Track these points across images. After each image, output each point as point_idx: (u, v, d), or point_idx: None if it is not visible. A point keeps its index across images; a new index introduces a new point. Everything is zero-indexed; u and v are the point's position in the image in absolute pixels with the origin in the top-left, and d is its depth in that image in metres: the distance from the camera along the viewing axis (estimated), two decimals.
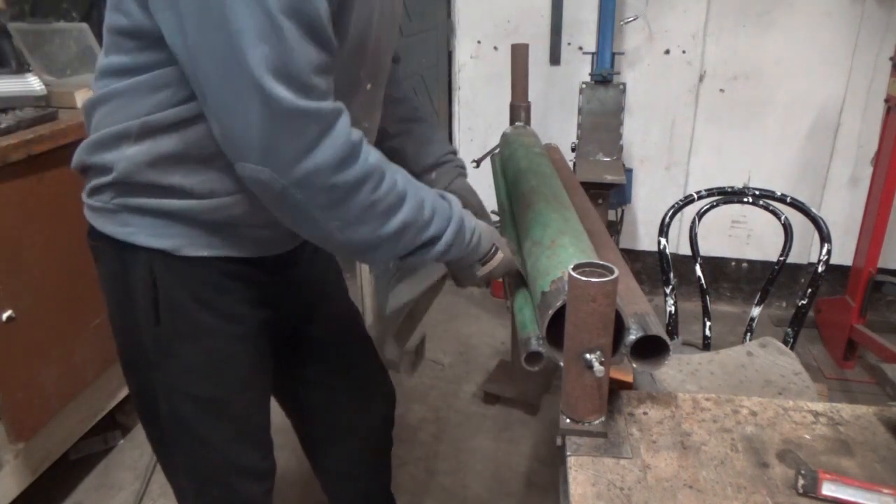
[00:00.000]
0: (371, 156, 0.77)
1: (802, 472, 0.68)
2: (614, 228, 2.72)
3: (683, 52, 2.60)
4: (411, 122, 1.16)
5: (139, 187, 0.83)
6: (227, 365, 0.96)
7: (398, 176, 0.81)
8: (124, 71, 0.79)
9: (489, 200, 1.23)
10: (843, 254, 2.56)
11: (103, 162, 0.83)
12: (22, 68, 1.68)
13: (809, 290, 1.52)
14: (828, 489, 0.67)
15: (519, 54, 1.81)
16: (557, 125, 2.77)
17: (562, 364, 0.77)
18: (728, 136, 2.69)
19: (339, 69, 0.77)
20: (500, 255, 0.95)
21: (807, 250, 2.72)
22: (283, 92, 0.68)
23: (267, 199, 0.77)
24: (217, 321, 0.93)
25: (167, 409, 0.95)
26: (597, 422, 0.77)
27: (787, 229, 1.57)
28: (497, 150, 1.68)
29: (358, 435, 1.27)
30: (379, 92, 0.96)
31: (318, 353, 1.18)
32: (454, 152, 1.19)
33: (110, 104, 0.81)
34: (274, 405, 1.14)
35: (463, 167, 1.19)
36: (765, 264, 2.82)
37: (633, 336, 0.78)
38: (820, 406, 0.84)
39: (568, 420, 0.78)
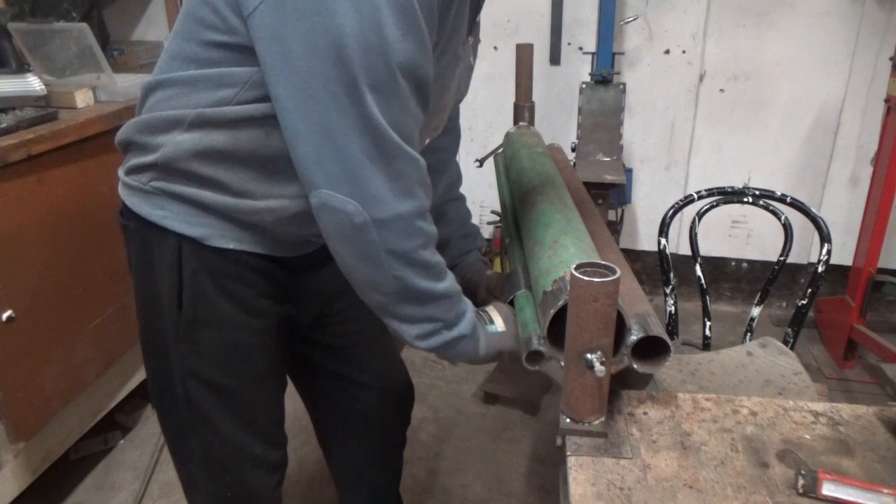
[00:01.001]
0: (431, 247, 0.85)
1: (802, 472, 0.68)
2: (614, 228, 2.71)
3: (683, 52, 2.60)
4: (450, 202, 1.23)
5: (179, 174, 0.84)
6: (244, 356, 0.97)
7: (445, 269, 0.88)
8: (194, 60, 0.79)
9: (492, 199, 1.24)
10: (843, 254, 2.56)
11: (150, 143, 0.84)
12: (22, 68, 1.68)
13: (809, 290, 1.52)
14: (828, 489, 0.67)
15: (523, 54, 1.81)
16: (557, 125, 2.77)
17: (562, 364, 0.77)
18: (728, 136, 2.69)
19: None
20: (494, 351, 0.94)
21: (807, 250, 2.72)
22: (393, 134, 0.72)
23: (335, 231, 0.78)
24: (238, 313, 0.94)
25: (182, 393, 0.96)
26: (597, 422, 0.77)
27: (787, 229, 1.57)
28: (500, 150, 1.69)
29: (373, 429, 1.28)
30: (425, 139, 0.99)
31: (336, 349, 1.19)
32: (478, 239, 1.26)
33: (171, 89, 0.82)
34: (291, 403, 1.16)
35: (487, 263, 1.26)
36: (765, 264, 2.82)
37: (634, 336, 0.78)
38: (820, 406, 0.84)
39: (568, 420, 0.78)
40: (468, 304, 0.92)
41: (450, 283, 0.87)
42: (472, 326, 0.90)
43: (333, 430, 1.30)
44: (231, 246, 0.89)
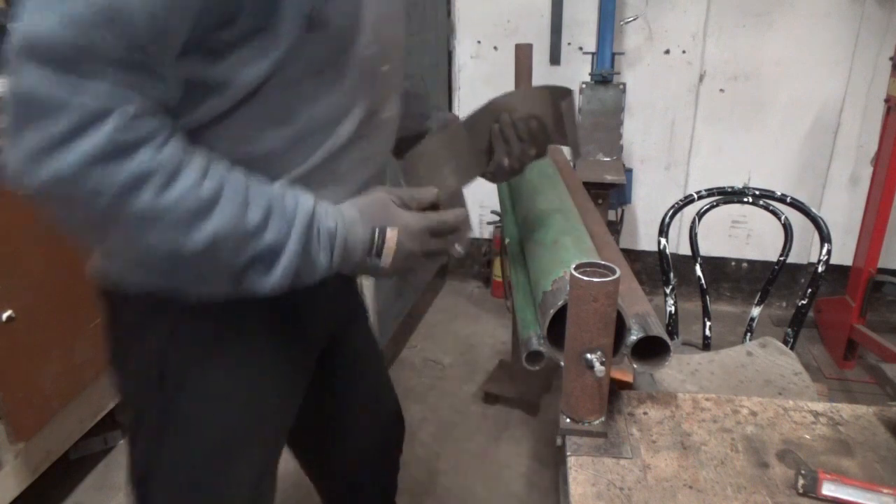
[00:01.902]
0: (157, 152, 0.57)
1: (802, 472, 0.68)
2: (614, 228, 2.72)
3: (683, 52, 2.60)
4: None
5: None
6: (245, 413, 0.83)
7: (212, 172, 0.61)
8: None
9: (491, 200, 1.23)
10: (843, 254, 2.56)
11: None
12: None
13: (809, 290, 1.52)
14: (828, 489, 0.67)
15: (523, 54, 1.81)
16: None
17: (562, 364, 0.77)
18: (728, 136, 2.69)
19: (333, 50, 0.67)
20: (391, 237, 0.71)
21: (807, 250, 2.72)
22: (34, 70, 0.52)
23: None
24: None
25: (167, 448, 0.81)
26: (597, 422, 0.77)
27: (787, 229, 1.57)
28: None
29: (366, 454, 1.18)
30: (397, 74, 0.82)
31: (332, 378, 1.06)
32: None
33: None
34: None
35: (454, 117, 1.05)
36: (765, 264, 2.82)
37: (634, 336, 0.78)
38: (820, 406, 0.84)
39: (568, 420, 0.78)
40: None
41: (221, 215, 0.61)
42: (302, 221, 0.66)
43: (324, 455, 1.19)
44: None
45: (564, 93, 0.87)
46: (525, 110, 0.88)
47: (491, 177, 0.95)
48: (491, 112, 0.89)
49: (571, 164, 2.32)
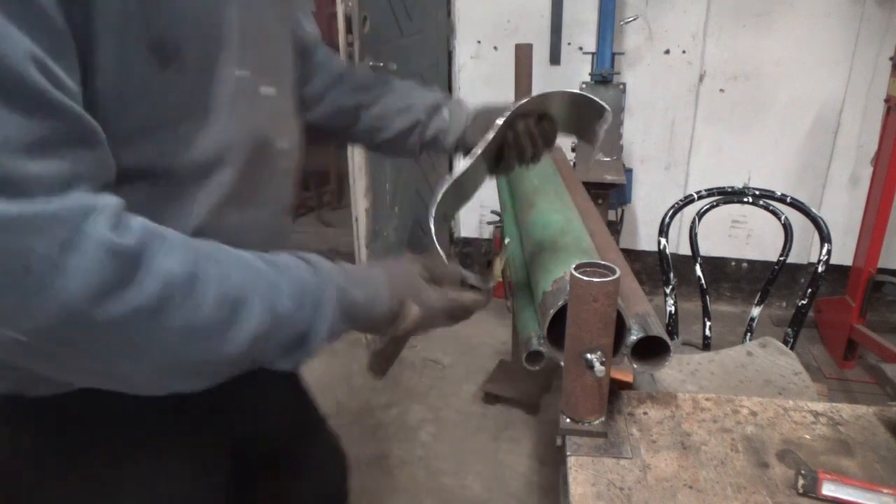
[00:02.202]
0: (165, 258, 0.48)
1: (802, 472, 0.68)
2: (614, 228, 2.72)
3: (683, 52, 2.60)
4: (377, 88, 0.93)
5: None
6: None
7: (230, 266, 0.53)
8: None
9: (491, 200, 1.22)
10: (843, 254, 2.56)
11: None
12: None
13: (809, 290, 1.52)
14: (828, 489, 0.67)
15: (522, 54, 1.81)
16: None
17: (562, 364, 0.77)
18: (728, 136, 2.69)
19: (198, 76, 0.56)
20: (414, 315, 0.69)
21: (807, 250, 2.72)
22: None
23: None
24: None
25: None
26: (597, 422, 0.77)
27: (787, 229, 1.57)
28: None
29: None
30: (286, 98, 0.72)
31: (272, 455, 0.93)
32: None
33: None
34: None
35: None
36: (765, 264, 2.82)
37: (634, 336, 0.78)
38: (820, 406, 0.84)
39: (568, 420, 0.78)
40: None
41: (253, 312, 0.53)
42: (330, 297, 0.60)
43: None
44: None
45: (599, 110, 0.82)
46: (538, 111, 0.86)
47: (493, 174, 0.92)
48: (507, 123, 0.85)
49: (572, 163, 2.32)
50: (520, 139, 0.83)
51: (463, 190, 0.86)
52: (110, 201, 0.46)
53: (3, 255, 0.41)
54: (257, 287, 0.54)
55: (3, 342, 0.44)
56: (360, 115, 0.92)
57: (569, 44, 2.69)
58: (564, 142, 2.30)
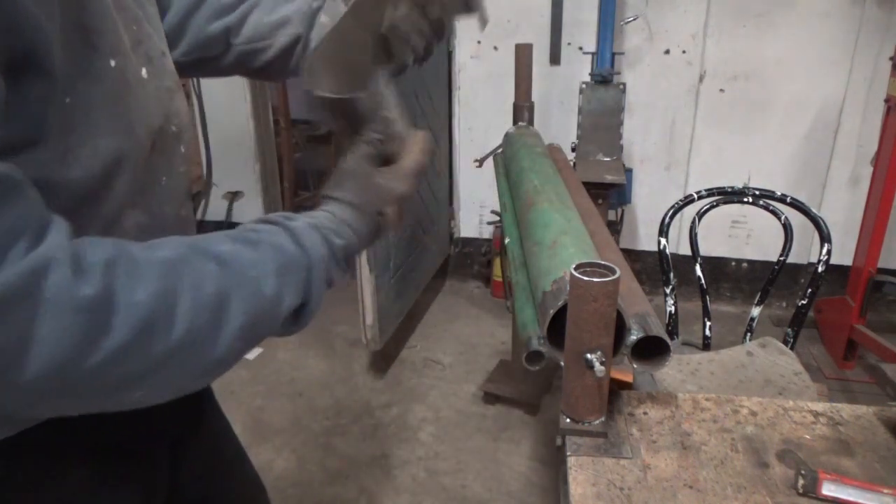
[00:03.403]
0: (133, 291, 0.45)
1: (802, 472, 0.68)
2: (614, 228, 2.72)
3: (683, 52, 2.60)
4: (241, 4, 0.82)
5: None
6: None
7: (200, 270, 0.50)
8: None
9: (492, 199, 1.22)
10: (843, 254, 2.56)
11: None
12: None
13: (809, 290, 1.52)
14: (828, 489, 0.67)
15: (523, 54, 1.81)
16: (557, 125, 2.77)
17: (562, 364, 0.77)
18: (728, 136, 2.69)
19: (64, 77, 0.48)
20: (394, 214, 0.67)
21: (807, 250, 2.72)
22: None
23: None
24: None
25: None
26: (597, 422, 0.77)
27: (787, 229, 1.57)
28: (500, 150, 1.69)
29: None
30: (165, 70, 0.64)
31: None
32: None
33: None
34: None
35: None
36: (765, 264, 2.82)
37: (634, 336, 0.78)
38: (820, 406, 0.84)
39: (568, 420, 0.78)
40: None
41: (242, 305, 0.52)
42: (319, 262, 0.59)
43: None
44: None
45: None
46: None
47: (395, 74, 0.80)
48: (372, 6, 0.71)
49: (572, 163, 2.32)
50: (400, 27, 0.74)
51: (346, 59, 0.70)
52: (56, 240, 0.42)
53: None
54: (234, 281, 0.52)
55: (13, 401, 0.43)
56: (230, 41, 0.81)
57: (569, 44, 2.69)
58: (564, 142, 2.30)
